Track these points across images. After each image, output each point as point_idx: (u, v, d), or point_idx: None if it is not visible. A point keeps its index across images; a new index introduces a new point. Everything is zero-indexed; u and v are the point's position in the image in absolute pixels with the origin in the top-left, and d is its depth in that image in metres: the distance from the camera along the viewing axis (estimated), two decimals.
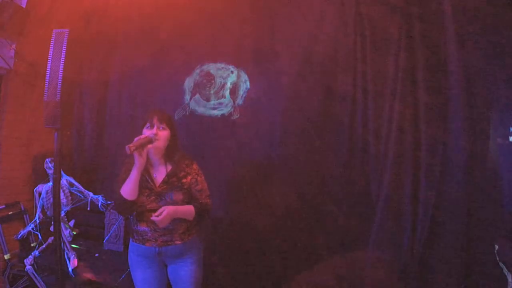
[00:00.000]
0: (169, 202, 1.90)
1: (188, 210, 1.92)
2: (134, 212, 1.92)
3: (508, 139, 2.37)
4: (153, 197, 1.91)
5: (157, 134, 1.89)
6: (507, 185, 2.34)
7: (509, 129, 2.37)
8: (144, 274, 1.96)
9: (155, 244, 1.91)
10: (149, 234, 1.91)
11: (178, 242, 1.93)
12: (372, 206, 2.65)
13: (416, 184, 2.52)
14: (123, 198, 1.83)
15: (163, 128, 1.93)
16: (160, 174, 1.97)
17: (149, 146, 1.85)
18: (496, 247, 2.14)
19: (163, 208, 1.82)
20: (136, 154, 1.80)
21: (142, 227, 1.91)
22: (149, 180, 1.94)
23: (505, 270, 2.05)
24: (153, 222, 1.85)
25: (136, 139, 1.83)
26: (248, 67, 3.14)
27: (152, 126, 1.92)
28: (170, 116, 2.04)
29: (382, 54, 2.68)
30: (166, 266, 2.03)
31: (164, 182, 1.94)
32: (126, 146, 1.74)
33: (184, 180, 1.96)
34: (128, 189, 1.83)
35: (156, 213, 1.80)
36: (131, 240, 2.02)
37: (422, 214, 2.47)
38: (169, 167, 1.97)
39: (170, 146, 1.97)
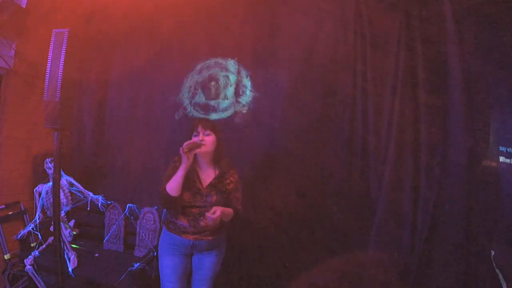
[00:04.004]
0: (213, 203, 2.10)
1: (230, 212, 2.13)
2: (175, 206, 2.10)
3: (508, 139, 2.37)
4: (199, 197, 2.10)
5: (203, 140, 2.10)
6: (507, 185, 2.34)
7: (509, 129, 2.37)
8: (173, 260, 2.14)
9: (192, 238, 2.11)
10: (187, 229, 2.10)
11: (210, 238, 2.14)
12: (372, 206, 2.65)
13: (416, 184, 2.53)
14: (167, 193, 2.01)
15: (208, 134, 2.14)
16: (208, 176, 2.17)
17: (197, 150, 2.05)
18: (493, 252, 2.13)
19: (215, 208, 2.01)
20: (185, 156, 2.00)
21: (182, 222, 2.11)
22: (198, 181, 2.13)
23: (501, 278, 2.05)
24: (194, 219, 2.09)
25: (186, 143, 2.02)
26: (248, 67, 3.14)
27: (198, 134, 2.13)
28: (213, 123, 2.26)
29: (382, 54, 2.68)
30: (191, 255, 2.21)
31: (211, 185, 2.14)
32: (180, 148, 1.98)
33: (228, 187, 2.17)
34: (173, 186, 2.01)
35: (211, 212, 1.99)
36: (165, 229, 2.21)
37: (422, 214, 2.47)
38: (217, 172, 2.17)
39: (217, 150, 2.17)
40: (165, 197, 2.03)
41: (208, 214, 1.99)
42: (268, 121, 3.00)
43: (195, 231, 2.10)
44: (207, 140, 2.11)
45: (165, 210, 2.27)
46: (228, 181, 2.18)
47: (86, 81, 3.68)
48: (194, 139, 2.10)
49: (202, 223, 2.09)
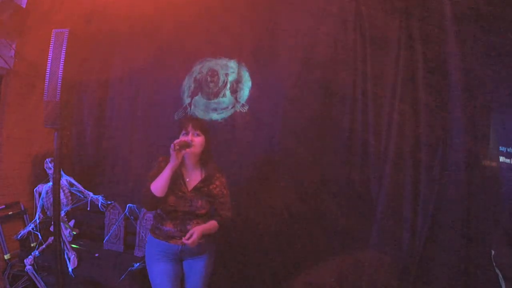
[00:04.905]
0: (198, 207, 2.04)
1: (213, 226, 2.04)
2: (158, 208, 2.04)
3: (508, 139, 2.37)
4: (183, 201, 2.02)
5: (192, 140, 2.01)
6: (507, 185, 2.34)
7: (509, 129, 2.37)
8: (164, 267, 2.05)
9: (180, 243, 2.02)
10: (174, 234, 2.03)
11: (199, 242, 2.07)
12: (372, 206, 2.65)
13: (416, 184, 2.53)
14: (152, 193, 1.93)
15: (198, 134, 2.05)
16: (193, 179, 2.09)
17: (187, 150, 1.97)
18: (493, 252, 2.13)
19: (192, 231, 1.92)
20: (173, 154, 1.92)
21: (168, 227, 2.04)
22: (183, 184, 2.06)
23: (500, 278, 2.04)
24: (180, 223, 2.02)
25: (177, 141, 1.95)
26: (248, 66, 3.14)
27: (187, 133, 2.04)
28: (204, 123, 2.18)
29: (382, 54, 2.69)
30: (181, 260, 2.14)
31: (196, 188, 2.07)
32: (172, 144, 1.91)
33: (214, 192, 2.09)
34: (159, 186, 1.94)
35: (186, 237, 1.90)
36: (151, 236, 2.12)
37: (422, 214, 2.47)
38: (203, 175, 2.10)
39: (204, 151, 2.09)
40: (149, 198, 1.94)
41: (184, 240, 1.90)
42: (268, 121, 3.00)
43: (182, 236, 2.00)
44: (196, 141, 2.02)
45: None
46: (214, 185, 2.09)
47: (86, 81, 3.68)
48: (183, 138, 2.01)
49: (189, 227, 2.00)
